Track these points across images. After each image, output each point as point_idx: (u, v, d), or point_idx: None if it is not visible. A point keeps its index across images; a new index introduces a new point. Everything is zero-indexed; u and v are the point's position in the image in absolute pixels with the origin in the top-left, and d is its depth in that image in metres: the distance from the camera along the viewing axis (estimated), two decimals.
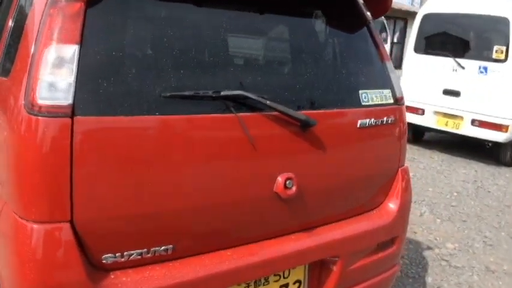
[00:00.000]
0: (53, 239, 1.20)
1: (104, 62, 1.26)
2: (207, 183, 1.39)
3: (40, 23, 1.26)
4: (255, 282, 1.62)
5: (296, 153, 1.56)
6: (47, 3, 1.26)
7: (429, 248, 3.60)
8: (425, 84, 6.65)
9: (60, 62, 1.20)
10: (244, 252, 1.53)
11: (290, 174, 1.52)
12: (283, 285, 1.71)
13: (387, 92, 1.89)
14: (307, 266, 1.75)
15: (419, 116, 6.69)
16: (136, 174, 1.28)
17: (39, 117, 1.18)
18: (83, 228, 1.23)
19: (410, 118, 6.79)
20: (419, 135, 7.31)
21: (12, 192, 1.26)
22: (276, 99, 1.48)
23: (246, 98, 1.40)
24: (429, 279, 3.12)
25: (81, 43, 1.23)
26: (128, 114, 1.26)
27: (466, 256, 3.50)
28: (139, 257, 1.33)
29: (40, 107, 1.18)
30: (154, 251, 1.35)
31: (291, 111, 1.47)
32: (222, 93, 1.36)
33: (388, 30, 15.44)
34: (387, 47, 14.75)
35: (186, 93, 1.33)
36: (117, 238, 1.30)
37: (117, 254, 1.30)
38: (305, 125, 1.52)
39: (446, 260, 3.40)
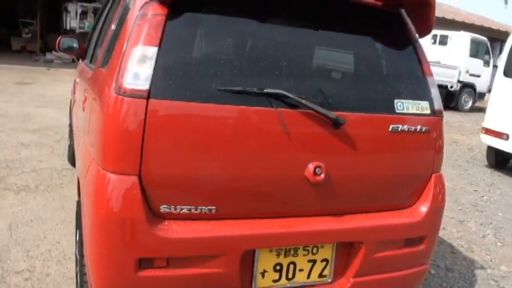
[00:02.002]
0: (123, 186, 1.62)
1: (174, 61, 1.66)
2: (248, 160, 1.73)
3: (132, 29, 1.69)
4: (285, 251, 1.92)
5: (327, 147, 1.84)
6: (137, 15, 1.69)
7: (482, 267, 3.60)
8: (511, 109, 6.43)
9: (143, 58, 1.62)
10: (277, 223, 1.85)
11: (320, 163, 1.81)
12: (310, 260, 1.98)
13: (425, 104, 2.09)
14: (334, 248, 2.01)
15: (503, 141, 6.46)
16: (192, 146, 1.66)
17: (124, 97, 1.60)
18: (147, 182, 1.63)
19: (494, 142, 6.60)
20: (503, 161, 7.04)
21: (99, 151, 1.70)
22: (314, 100, 1.78)
23: (286, 96, 1.72)
24: None
25: (160, 46, 1.64)
26: (190, 100, 1.64)
27: None
28: (188, 212, 1.71)
29: (125, 90, 1.61)
30: (201, 209, 1.72)
31: (323, 110, 1.76)
32: (265, 90, 1.70)
33: (491, 53, 14.75)
34: (489, 69, 14.12)
35: (236, 88, 1.68)
36: (172, 194, 1.68)
37: (171, 207, 1.68)
38: (336, 123, 1.80)
39: (496, 281, 3.40)
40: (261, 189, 1.80)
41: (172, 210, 1.69)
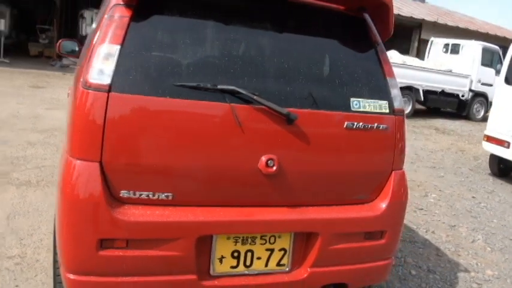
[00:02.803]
0: (85, 171, 1.76)
1: (135, 59, 1.80)
2: (202, 151, 1.86)
3: (100, 29, 1.85)
4: (242, 239, 2.03)
5: (280, 141, 1.95)
6: (106, 17, 1.86)
7: (466, 270, 3.64)
8: None
9: (106, 56, 1.78)
10: (233, 211, 1.96)
11: (272, 156, 1.93)
12: (268, 249, 2.09)
13: (384, 103, 2.19)
14: (292, 238, 2.11)
15: (504, 148, 6.45)
16: (149, 137, 1.80)
17: (89, 91, 1.76)
18: (107, 169, 1.77)
19: (496, 150, 6.60)
20: (506, 169, 7.01)
21: (68, 139, 1.85)
22: (268, 97, 1.90)
23: (239, 92, 1.85)
24: None
25: (122, 44, 1.79)
26: (148, 94, 1.78)
27: (502, 284, 3.49)
28: (146, 197, 1.84)
29: (90, 84, 1.76)
30: (158, 195, 1.85)
31: (274, 106, 1.88)
32: (219, 86, 1.84)
33: (502, 61, 14.57)
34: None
35: (191, 84, 1.82)
36: (131, 181, 1.82)
37: (130, 192, 1.82)
38: (288, 119, 1.92)
39: (479, 284, 3.44)
40: (215, 179, 1.92)
41: (132, 195, 1.83)
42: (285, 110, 1.90)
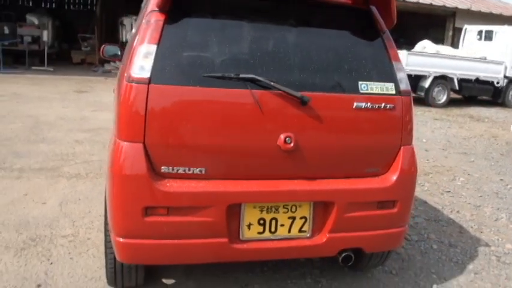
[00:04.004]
0: (131, 151, 2.12)
1: (169, 55, 2.14)
2: (229, 132, 2.18)
3: (140, 32, 2.20)
4: (267, 208, 2.33)
5: (296, 121, 2.24)
6: (144, 21, 2.21)
7: (487, 245, 3.80)
8: None
9: (146, 54, 2.12)
10: (257, 183, 2.27)
11: (290, 134, 2.22)
12: (290, 217, 2.38)
13: (390, 85, 2.44)
14: (311, 207, 2.40)
15: None
16: (184, 120, 2.13)
17: (132, 84, 2.11)
18: (150, 148, 2.12)
19: None
20: None
21: (116, 125, 2.21)
22: (284, 83, 2.20)
23: (257, 79, 2.16)
24: (470, 266, 3.39)
25: (158, 44, 2.13)
26: (181, 85, 2.12)
27: None
28: (183, 172, 2.17)
29: (133, 78, 2.11)
30: (193, 170, 2.18)
31: (289, 90, 2.17)
32: (240, 75, 2.15)
33: None
34: None
35: (217, 74, 2.14)
36: (170, 158, 2.16)
37: (169, 168, 2.16)
38: (302, 101, 2.21)
39: (498, 256, 3.59)
40: (241, 156, 2.23)
41: (171, 170, 2.17)
42: (298, 94, 2.19)
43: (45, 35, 14.21)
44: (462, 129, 9.51)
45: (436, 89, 12.46)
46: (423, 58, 12.37)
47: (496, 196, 5.15)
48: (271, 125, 2.22)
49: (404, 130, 2.49)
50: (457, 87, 12.73)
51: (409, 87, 2.52)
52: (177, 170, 2.18)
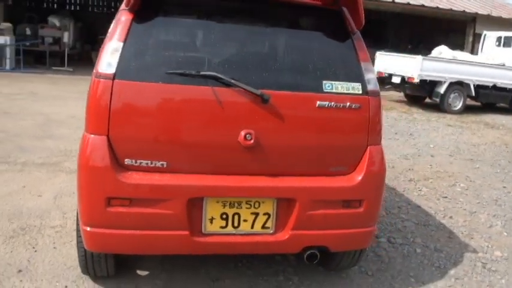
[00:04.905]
0: (96, 143, 2.21)
1: (135, 53, 2.23)
2: (190, 126, 2.25)
3: (110, 30, 2.30)
4: (230, 203, 2.39)
5: (257, 118, 2.30)
6: (115, 19, 2.30)
7: (475, 251, 3.76)
8: None
9: (112, 51, 2.21)
10: (218, 178, 2.33)
11: (250, 131, 2.28)
12: (253, 213, 2.43)
13: (357, 85, 2.47)
14: (275, 204, 2.44)
15: None
16: (146, 115, 2.21)
17: (99, 79, 2.20)
18: (113, 141, 2.21)
19: None
20: None
21: (85, 120, 2.31)
22: (246, 80, 2.26)
23: (218, 77, 2.22)
24: (452, 271, 3.36)
25: (125, 42, 2.22)
26: (145, 81, 2.21)
27: (508, 265, 3.57)
28: (145, 165, 2.26)
29: (100, 74, 2.20)
30: (155, 163, 2.26)
31: (249, 87, 2.23)
32: (201, 73, 2.22)
33: None
34: None
35: (179, 71, 2.21)
36: (132, 151, 2.24)
37: (132, 160, 2.24)
38: (262, 99, 2.26)
39: (484, 263, 3.53)
40: (203, 151, 2.30)
41: (134, 163, 2.25)
42: (258, 91, 2.24)
43: (66, 37, 14.59)
44: (474, 136, 9.34)
45: (451, 95, 12.27)
46: (439, 63, 12.21)
47: (494, 203, 5.07)
48: (232, 122, 2.28)
49: (371, 130, 2.51)
50: (473, 94, 12.50)
51: (377, 88, 2.54)
52: (140, 163, 2.26)
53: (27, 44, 13.85)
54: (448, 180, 5.81)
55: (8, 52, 12.92)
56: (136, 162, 2.25)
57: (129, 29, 2.25)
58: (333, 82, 2.43)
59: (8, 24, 13.51)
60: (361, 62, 2.51)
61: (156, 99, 2.23)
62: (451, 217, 4.49)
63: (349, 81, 2.46)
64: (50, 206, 3.92)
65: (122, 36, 2.24)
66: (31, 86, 10.76)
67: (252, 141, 2.28)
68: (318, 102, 2.38)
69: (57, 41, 14.65)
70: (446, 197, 5.11)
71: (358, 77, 2.49)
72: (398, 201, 4.82)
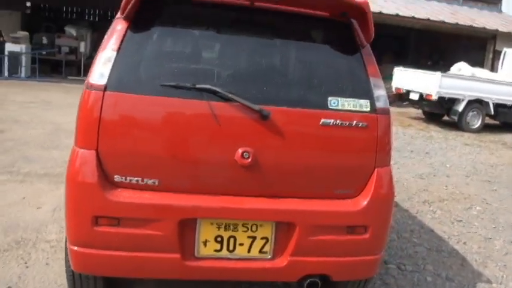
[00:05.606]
0: (85, 158, 2.08)
1: (128, 63, 2.11)
2: (184, 142, 2.11)
3: (104, 39, 2.18)
4: (225, 225, 2.23)
5: (256, 135, 2.15)
6: (110, 28, 2.18)
7: (488, 281, 3.53)
8: None
9: (105, 61, 2.09)
10: (213, 198, 2.18)
11: (248, 149, 2.12)
12: (250, 237, 2.26)
13: (364, 102, 2.31)
14: (273, 227, 2.28)
15: None
16: (138, 130, 2.08)
17: (90, 91, 2.08)
18: (102, 156, 2.08)
19: None
20: None
21: (75, 132, 2.19)
22: (245, 95, 2.12)
23: (215, 91, 2.08)
24: None
25: (118, 51, 2.10)
26: (138, 93, 2.08)
27: None
28: (136, 183, 2.12)
29: (91, 85, 2.09)
30: (146, 181, 2.12)
31: (247, 103, 2.09)
32: (197, 85, 2.08)
33: None
34: None
35: (174, 83, 2.08)
36: (122, 167, 2.11)
37: (122, 177, 2.11)
38: (262, 115, 2.11)
39: None
40: (197, 169, 2.16)
41: (124, 180, 2.12)
42: (257, 107, 2.10)
43: (83, 46, 14.75)
44: (492, 155, 9.05)
45: (470, 114, 11.97)
46: (458, 81, 11.95)
47: (511, 228, 4.81)
48: (229, 139, 2.14)
49: (379, 150, 2.34)
50: (492, 112, 12.18)
51: (387, 106, 2.37)
52: (130, 180, 2.12)
53: (43, 52, 14.03)
54: (463, 203, 5.57)
55: (24, 60, 13.08)
56: (126, 179, 2.12)
57: (123, 39, 2.13)
58: (339, 98, 2.27)
59: (25, 33, 13.71)
60: (370, 78, 2.35)
61: (149, 113, 2.10)
62: (465, 243, 4.26)
63: (357, 98, 2.30)
64: (48, 218, 3.82)
65: (116, 45, 2.12)
66: (45, 94, 10.82)
67: (249, 160, 2.13)
68: (322, 120, 2.22)
69: (74, 50, 14.81)
70: (461, 221, 4.88)
71: (367, 94, 2.33)
72: (411, 224, 4.60)
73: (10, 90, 10.93)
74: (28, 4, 18.31)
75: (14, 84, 12.15)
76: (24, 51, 13.14)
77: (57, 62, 14.58)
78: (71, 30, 15.40)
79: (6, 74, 13.01)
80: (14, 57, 12.95)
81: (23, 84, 12.30)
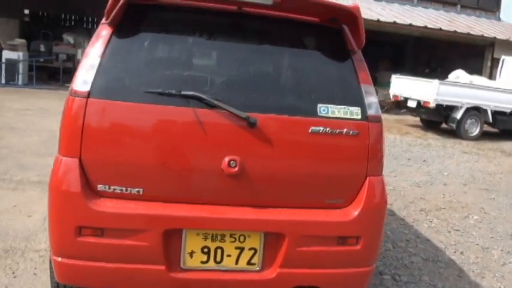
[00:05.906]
0: (68, 166, 2.03)
1: (112, 70, 2.07)
2: (169, 151, 2.06)
3: (89, 45, 2.14)
4: (212, 236, 2.17)
5: (243, 143, 2.09)
6: (95, 34, 2.14)
7: None
8: None
9: (88, 67, 2.05)
10: (199, 208, 2.12)
11: (235, 157, 2.07)
12: (238, 248, 2.20)
13: (355, 109, 2.26)
14: (262, 238, 2.22)
15: None
16: (122, 136, 2.03)
17: (73, 97, 2.04)
18: (86, 164, 2.03)
19: None
20: None
21: (59, 140, 2.14)
22: (232, 102, 2.07)
23: (200, 98, 2.03)
24: None
25: (102, 57, 2.05)
26: (121, 100, 2.03)
27: None
28: (120, 192, 2.06)
29: (75, 91, 2.04)
30: (130, 190, 2.07)
31: (233, 109, 2.04)
32: (182, 92, 2.03)
33: None
34: None
35: (159, 90, 2.03)
36: (106, 176, 2.05)
37: (106, 186, 2.06)
38: (249, 122, 2.06)
39: None
40: (183, 178, 2.10)
41: (107, 189, 2.06)
42: (244, 114, 2.05)
43: (80, 54, 14.72)
44: (490, 163, 8.99)
45: (468, 121, 11.94)
46: (455, 88, 11.92)
47: (509, 238, 4.75)
48: (215, 147, 2.09)
49: (371, 159, 2.29)
50: (490, 120, 12.15)
51: (379, 113, 2.32)
52: (114, 189, 2.07)
53: (41, 60, 14.02)
54: (461, 211, 5.50)
55: (21, 68, 13.06)
56: (110, 189, 2.07)
57: (107, 45, 2.09)
58: (329, 106, 2.22)
59: (22, 40, 13.72)
60: (362, 85, 2.30)
61: (133, 120, 2.05)
62: (462, 253, 4.19)
63: (348, 105, 2.25)
64: (38, 227, 3.76)
65: (100, 51, 2.08)
66: (42, 102, 10.78)
67: (236, 168, 2.07)
68: (312, 128, 2.17)
69: (71, 58, 14.81)
70: (458, 230, 4.82)
71: (358, 101, 2.28)
72: (407, 233, 4.54)
73: (7, 97, 10.90)
74: (26, 12, 18.36)
75: (11, 91, 12.13)
76: (21, 58, 13.13)
77: (54, 70, 14.57)
78: (69, 38, 15.42)
79: (3, 81, 13.00)
80: (12, 64, 12.94)
81: (20, 91, 12.27)
